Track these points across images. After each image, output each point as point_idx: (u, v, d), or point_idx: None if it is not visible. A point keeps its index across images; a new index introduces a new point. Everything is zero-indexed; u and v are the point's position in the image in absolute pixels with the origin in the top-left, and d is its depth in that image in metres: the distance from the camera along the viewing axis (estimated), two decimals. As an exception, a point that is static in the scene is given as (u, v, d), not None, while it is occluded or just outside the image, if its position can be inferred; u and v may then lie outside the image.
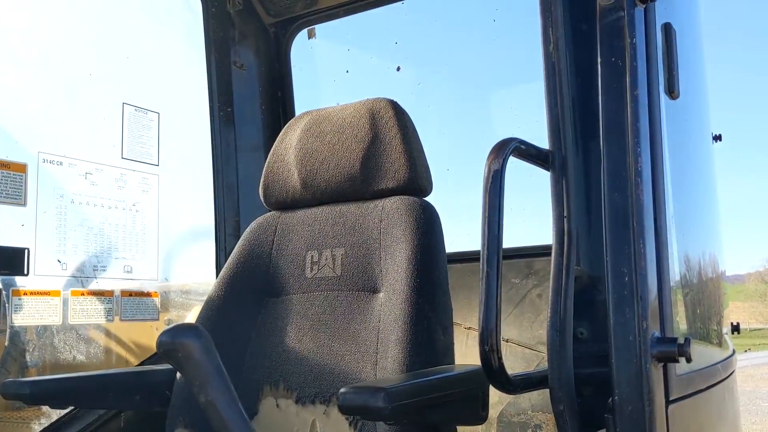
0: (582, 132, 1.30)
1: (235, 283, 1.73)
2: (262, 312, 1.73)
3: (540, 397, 1.79)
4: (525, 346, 1.88)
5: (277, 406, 1.61)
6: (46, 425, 1.79)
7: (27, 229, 1.79)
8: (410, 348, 1.41)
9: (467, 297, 2.05)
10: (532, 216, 2.18)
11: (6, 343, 1.80)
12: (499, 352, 1.00)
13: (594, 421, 1.10)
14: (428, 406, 1.14)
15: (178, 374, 1.64)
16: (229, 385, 0.86)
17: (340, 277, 1.64)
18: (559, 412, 1.05)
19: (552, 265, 1.16)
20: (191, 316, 2.20)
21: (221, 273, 1.75)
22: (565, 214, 1.17)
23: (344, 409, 1.04)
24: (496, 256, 1.03)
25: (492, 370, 1.01)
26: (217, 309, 1.70)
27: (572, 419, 1.07)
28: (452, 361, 1.48)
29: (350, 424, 1.49)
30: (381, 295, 1.58)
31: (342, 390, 1.05)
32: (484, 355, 1.00)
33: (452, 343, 1.50)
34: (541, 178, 1.28)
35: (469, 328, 1.99)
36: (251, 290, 1.73)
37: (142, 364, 2.03)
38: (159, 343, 0.86)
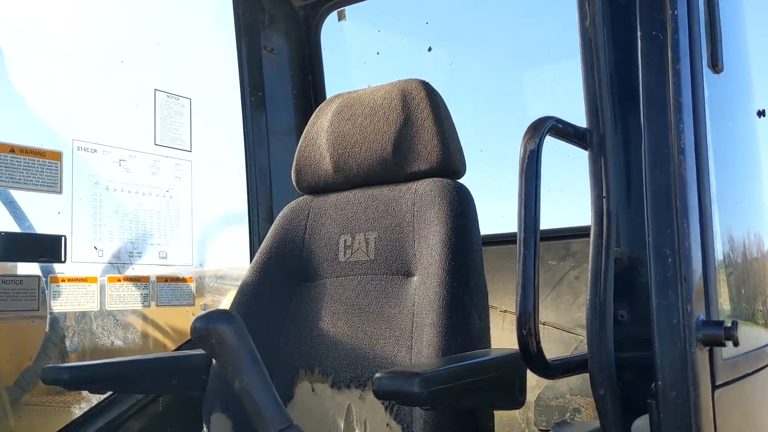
0: (620, 109, 1.25)
1: (268, 269, 1.72)
2: (295, 297, 1.72)
3: (578, 380, 1.76)
4: (563, 329, 1.85)
5: (313, 390, 1.61)
6: (86, 409, 1.81)
7: (63, 217, 1.81)
8: (445, 332, 1.39)
9: (503, 280, 2.02)
10: (568, 196, 2.13)
11: (46, 329, 1.83)
12: (537, 336, 0.98)
13: (636, 406, 1.07)
14: (465, 391, 1.12)
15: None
16: (263, 370, 0.85)
17: (373, 260, 1.63)
18: (600, 397, 1.02)
19: (591, 247, 1.13)
20: (226, 301, 2.22)
21: (255, 258, 1.75)
22: (603, 194, 1.14)
23: (380, 394, 1.03)
24: (533, 239, 1.00)
25: (530, 355, 0.99)
26: (251, 294, 1.71)
27: (613, 404, 1.04)
28: (488, 345, 1.46)
29: (386, 409, 1.48)
30: (415, 278, 1.56)
31: (377, 375, 1.04)
32: (522, 340, 0.98)
33: (488, 327, 1.48)
34: (579, 158, 1.24)
35: (505, 311, 1.97)
36: (285, 275, 1.73)
37: (178, 348, 2.04)
38: (193, 330, 0.85)
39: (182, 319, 2.07)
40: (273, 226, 1.78)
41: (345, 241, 1.69)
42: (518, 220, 1.03)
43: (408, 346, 1.49)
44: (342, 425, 1.53)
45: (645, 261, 1.11)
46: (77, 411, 1.84)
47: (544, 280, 1.94)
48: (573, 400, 1.72)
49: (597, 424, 1.10)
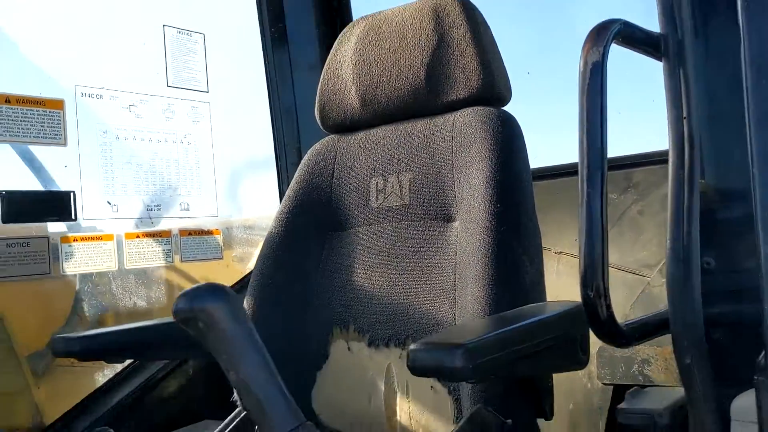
0: (703, 8, 1.01)
1: (294, 218, 1.56)
2: (326, 248, 1.56)
3: (647, 328, 1.56)
4: (627, 270, 1.65)
5: (349, 349, 1.45)
6: (110, 376, 1.71)
7: (71, 171, 1.66)
8: (492, 285, 1.21)
9: (556, 218, 1.81)
10: (628, 117, 1.89)
11: (77, 287, 1.72)
12: (607, 296, 0.78)
13: (726, 374, 0.88)
14: (517, 358, 0.95)
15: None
16: (266, 357, 0.69)
17: (409, 205, 1.45)
18: (685, 367, 0.83)
19: (670, 180, 0.92)
20: (258, 253, 2.07)
21: (279, 208, 1.58)
22: (684, 115, 0.92)
23: (416, 370, 0.86)
24: (599, 173, 0.80)
25: (598, 320, 0.80)
26: (278, 247, 1.54)
27: (702, 374, 0.85)
28: (543, 297, 1.27)
29: (429, 371, 1.31)
30: (456, 224, 1.37)
31: (412, 347, 0.87)
32: (588, 301, 0.79)
33: (542, 275, 1.29)
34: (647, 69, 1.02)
35: (560, 252, 1.76)
36: (313, 225, 1.56)
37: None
38: (175, 310, 0.69)
39: (211, 274, 1.94)
40: (298, 171, 1.61)
41: (376, 184, 1.51)
42: (579, 152, 0.82)
43: (451, 300, 1.32)
44: (382, 387, 1.38)
45: (737, 194, 0.90)
46: (111, 372, 1.74)
47: (603, 217, 1.73)
48: (641, 350, 1.53)
49: (678, 393, 0.92)
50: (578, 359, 1.12)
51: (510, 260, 1.23)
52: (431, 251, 1.39)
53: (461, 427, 1.04)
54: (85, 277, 1.71)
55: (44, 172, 1.64)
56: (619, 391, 1.57)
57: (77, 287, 1.70)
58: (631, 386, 1.58)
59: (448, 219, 1.40)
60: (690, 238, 0.87)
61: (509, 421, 1.08)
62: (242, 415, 1.52)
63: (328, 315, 1.49)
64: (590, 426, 1.58)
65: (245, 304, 1.52)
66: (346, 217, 1.54)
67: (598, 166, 0.81)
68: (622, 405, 0.92)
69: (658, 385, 1.47)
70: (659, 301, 1.55)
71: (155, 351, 1.48)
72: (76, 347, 1.30)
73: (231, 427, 1.53)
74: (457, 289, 1.31)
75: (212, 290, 0.69)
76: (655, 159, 1.76)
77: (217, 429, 1.54)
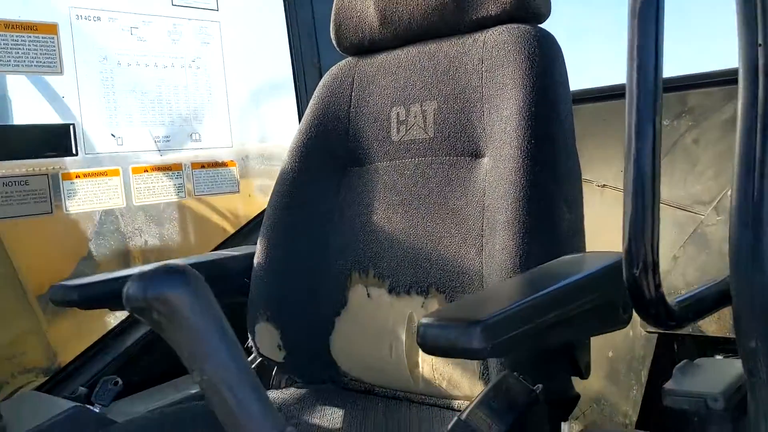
0: None
1: (310, 152, 1.42)
2: (343, 185, 1.43)
3: (695, 272, 1.41)
4: (677, 206, 1.48)
5: (369, 295, 1.34)
6: (122, 318, 1.65)
7: (69, 102, 1.54)
8: (523, 234, 1.07)
9: (599, 146, 1.64)
10: (682, 36, 1.68)
11: (84, 225, 1.63)
12: (656, 273, 0.64)
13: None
14: (547, 327, 0.82)
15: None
16: (239, 352, 0.57)
17: (433, 139, 1.30)
18: (750, 351, 0.69)
19: (738, 120, 0.74)
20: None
21: (293, 140, 1.44)
22: (759, 42, 0.74)
23: (427, 349, 0.74)
24: (651, 124, 0.64)
25: (644, 302, 0.66)
26: (292, 184, 1.42)
27: (769, 357, 0.71)
28: (581, 246, 1.13)
29: (454, 322, 1.20)
30: (485, 160, 1.22)
31: (423, 321, 0.75)
32: (632, 280, 0.65)
33: (581, 220, 1.14)
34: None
35: (604, 186, 1.60)
36: (329, 159, 1.42)
37: (218, 248, 1.82)
38: (126, 298, 0.57)
39: (227, 208, 1.83)
40: (312, 99, 1.46)
41: (398, 114, 1.35)
42: (628, 92, 0.66)
43: (478, 247, 1.19)
44: (403, 337, 1.27)
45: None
46: (123, 315, 1.67)
47: (652, 146, 1.55)
48: (690, 297, 1.39)
49: (735, 370, 0.79)
50: (619, 319, 0.98)
51: (544, 205, 1.08)
52: (457, 192, 1.25)
53: (485, 395, 0.93)
54: (91, 215, 1.61)
55: (41, 104, 1.52)
56: (664, 341, 1.44)
57: (85, 226, 1.61)
58: (677, 336, 1.45)
59: (477, 155, 1.25)
60: (762, 194, 0.71)
61: (539, 386, 0.97)
62: (258, 360, 1.45)
63: (347, 258, 1.38)
64: (631, 376, 1.47)
65: (258, 246, 1.42)
66: (365, 151, 1.40)
67: (650, 96, 0.64)
68: (669, 384, 0.79)
69: (716, 340, 1.33)
70: (713, 242, 1.39)
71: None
72: (75, 296, 1.22)
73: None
74: (484, 235, 1.18)
75: (171, 273, 0.57)
76: (714, 80, 1.56)
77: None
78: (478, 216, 1.20)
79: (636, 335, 1.47)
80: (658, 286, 0.65)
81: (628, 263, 0.64)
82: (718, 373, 0.81)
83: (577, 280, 0.88)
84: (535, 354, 1.00)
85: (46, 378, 1.53)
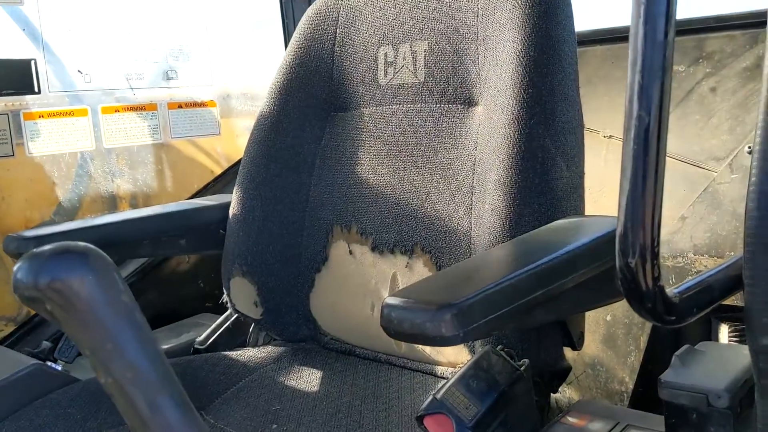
0: None
1: (290, 94, 1.31)
2: (326, 132, 1.32)
3: (706, 234, 1.31)
4: (689, 162, 1.37)
5: (350, 252, 1.25)
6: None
7: (30, 35, 1.42)
8: (515, 194, 0.96)
9: (607, 92, 1.52)
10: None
11: (50, 168, 1.52)
12: (655, 266, 0.53)
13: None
14: (536, 305, 0.72)
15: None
16: (154, 348, 0.48)
17: (423, 83, 1.18)
18: (761, 348, 0.58)
19: (767, 60, 0.63)
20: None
21: (272, 82, 1.33)
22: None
23: (392, 334, 0.65)
24: (661, 60, 0.51)
25: (639, 296, 0.55)
26: (271, 130, 1.31)
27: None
28: (579, 206, 1.02)
29: (439, 284, 1.11)
30: (479, 109, 1.11)
31: (387, 302, 0.65)
32: (626, 271, 0.54)
33: (581, 179, 1.03)
34: None
35: (610, 137, 1.48)
36: (312, 103, 1.31)
37: (194, 196, 1.71)
38: (14, 285, 0.47)
39: (204, 153, 1.72)
40: (294, 35, 1.34)
41: (385, 55, 1.23)
42: (633, 14, 0.53)
43: (467, 205, 1.09)
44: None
45: None
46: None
47: (665, 94, 1.43)
48: (697, 260, 1.29)
49: (744, 359, 0.69)
50: (617, 292, 0.89)
51: (540, 162, 0.97)
52: (447, 143, 1.14)
53: (464, 372, 0.84)
54: (57, 158, 1.51)
55: (-1, 37, 1.40)
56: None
57: (50, 170, 1.51)
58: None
59: (470, 103, 1.13)
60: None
61: (525, 362, 0.88)
62: (234, 316, 1.37)
63: (328, 212, 1.28)
64: (629, 342, 1.38)
65: (234, 195, 1.32)
66: (350, 95, 1.28)
67: (657, 70, 0.52)
68: (667, 375, 0.69)
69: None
70: (725, 202, 1.28)
71: (132, 248, 1.31)
72: (31, 247, 1.13)
73: (223, 328, 1.39)
74: (474, 192, 1.08)
75: (69, 254, 0.47)
76: (736, 23, 1.42)
77: (209, 329, 1.40)
78: (468, 172, 1.09)
79: (636, 299, 1.38)
80: (657, 278, 0.54)
81: (622, 251, 0.53)
82: (723, 364, 0.72)
83: (571, 252, 0.78)
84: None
85: (13, 329, 1.46)
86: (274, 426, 1.05)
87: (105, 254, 0.50)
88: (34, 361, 1.12)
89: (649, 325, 1.34)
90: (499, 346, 0.91)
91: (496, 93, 1.04)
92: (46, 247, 0.48)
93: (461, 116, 1.13)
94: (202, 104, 1.71)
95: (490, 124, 1.05)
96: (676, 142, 1.38)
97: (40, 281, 0.47)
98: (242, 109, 1.82)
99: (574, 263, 0.77)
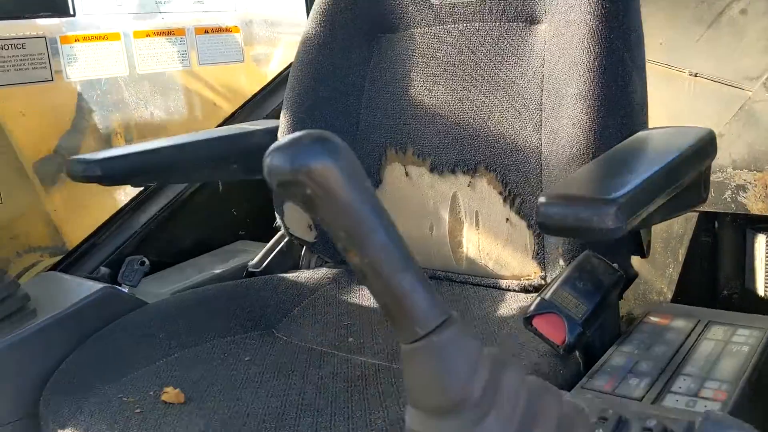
0: None
1: (336, 15, 1.29)
2: (375, 54, 1.31)
3: (746, 150, 1.37)
4: (723, 82, 1.42)
5: (407, 174, 1.27)
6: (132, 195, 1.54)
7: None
8: (599, 107, 0.99)
9: (685, 27, 1.51)
10: None
11: (84, 94, 1.48)
12: None
13: None
14: (660, 204, 0.76)
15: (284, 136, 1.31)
16: (398, 234, 0.50)
17: (480, 1, 1.19)
18: None
19: None
20: (278, 56, 1.81)
21: (316, 3, 1.31)
22: None
23: (549, 229, 0.68)
24: None
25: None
26: (317, 52, 1.30)
27: None
28: (647, 122, 1.06)
29: (504, 200, 1.15)
30: (543, 27, 1.12)
31: (542, 200, 0.68)
32: None
33: (645, 96, 1.07)
34: None
35: (696, 75, 1.47)
36: (359, 24, 1.30)
37: (228, 121, 1.69)
38: (269, 171, 0.48)
39: (232, 79, 1.70)
40: (339, -46, 1.31)
41: (440, -28, 1.23)
42: None
43: (536, 122, 1.11)
44: (447, 217, 1.22)
45: None
46: (132, 191, 1.56)
47: (695, 16, 1.47)
48: (736, 174, 1.36)
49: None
50: (701, 196, 0.95)
51: (621, 75, 1.00)
52: (510, 61, 1.16)
53: (568, 275, 0.89)
54: (94, 84, 1.46)
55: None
56: (705, 219, 1.43)
57: (88, 95, 1.47)
58: (718, 214, 1.43)
59: (532, 21, 1.15)
60: None
61: (616, 265, 0.93)
62: (285, 239, 1.38)
63: (381, 135, 1.29)
64: (668, 254, 1.46)
65: (282, 119, 1.32)
66: (400, 15, 1.28)
67: None
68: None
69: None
70: (763, 119, 1.34)
71: (185, 174, 1.30)
72: (98, 171, 1.11)
73: (275, 252, 1.39)
74: (544, 109, 1.10)
75: (321, 143, 0.48)
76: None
77: (261, 252, 1.40)
78: (535, 88, 1.12)
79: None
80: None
81: None
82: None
83: (682, 154, 0.82)
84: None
85: (57, 258, 1.44)
86: (350, 339, 1.08)
87: (343, 142, 0.51)
88: (102, 284, 1.12)
89: (687, 237, 1.41)
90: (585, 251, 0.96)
91: (567, 9, 1.06)
92: (294, 135, 0.50)
93: (523, 34, 1.15)
94: (227, 29, 1.68)
95: (562, 39, 1.06)
96: (708, 63, 1.43)
97: (299, 167, 0.48)
98: (263, 36, 1.79)
99: (687, 164, 0.82)
